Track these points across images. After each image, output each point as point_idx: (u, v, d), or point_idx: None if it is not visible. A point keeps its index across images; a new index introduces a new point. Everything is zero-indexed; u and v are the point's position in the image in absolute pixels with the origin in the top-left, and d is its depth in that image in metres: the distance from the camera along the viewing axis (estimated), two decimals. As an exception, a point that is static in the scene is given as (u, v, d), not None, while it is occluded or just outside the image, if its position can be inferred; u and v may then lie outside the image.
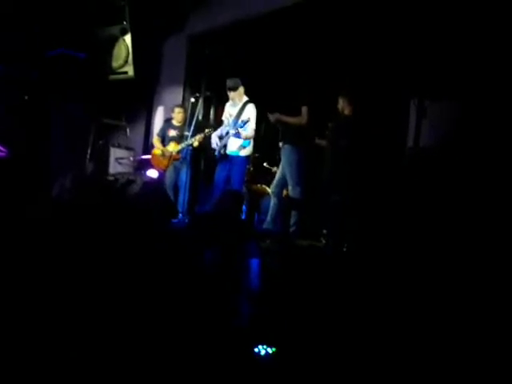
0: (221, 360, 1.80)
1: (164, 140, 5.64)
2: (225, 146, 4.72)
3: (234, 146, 4.70)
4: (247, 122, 4.46)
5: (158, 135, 5.73)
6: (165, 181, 5.51)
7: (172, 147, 5.46)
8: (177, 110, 5.65)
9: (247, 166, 5.14)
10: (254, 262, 3.28)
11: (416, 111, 4.22)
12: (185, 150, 5.30)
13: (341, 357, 1.91)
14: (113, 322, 1.98)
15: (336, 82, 4.75)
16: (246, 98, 4.76)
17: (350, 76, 4.80)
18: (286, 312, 2.33)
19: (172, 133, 5.60)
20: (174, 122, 5.65)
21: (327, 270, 3.29)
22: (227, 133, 4.66)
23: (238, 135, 4.56)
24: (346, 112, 4.31)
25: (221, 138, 4.75)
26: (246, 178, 5.31)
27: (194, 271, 2.81)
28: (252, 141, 4.75)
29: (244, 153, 4.71)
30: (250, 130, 4.59)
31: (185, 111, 5.62)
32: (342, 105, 4.32)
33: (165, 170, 5.51)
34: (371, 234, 3.90)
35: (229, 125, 4.73)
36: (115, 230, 3.38)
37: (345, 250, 4.06)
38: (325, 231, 4.58)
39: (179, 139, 5.48)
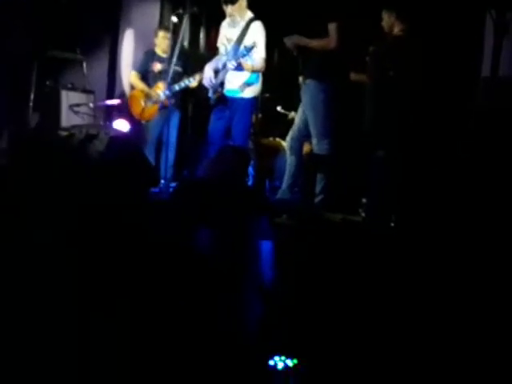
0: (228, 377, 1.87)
1: (146, 77, 5.69)
2: (222, 85, 4.71)
3: (234, 84, 4.69)
4: (252, 48, 4.45)
5: (138, 70, 5.79)
6: (145, 135, 5.62)
7: (160, 88, 5.52)
8: (161, 34, 5.66)
9: (254, 112, 5.14)
10: (266, 246, 3.29)
11: (494, 27, 4.19)
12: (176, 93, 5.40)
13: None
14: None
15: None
16: (250, 15, 4.73)
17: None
18: (310, 314, 2.46)
19: (157, 67, 5.63)
20: (159, 52, 5.67)
21: (368, 254, 3.32)
22: (224, 65, 4.65)
23: (239, 68, 4.54)
24: (396, 31, 4.28)
25: (216, 72, 4.74)
26: (252, 129, 5.30)
27: (183, 261, 2.85)
28: (260, 75, 4.74)
29: (249, 93, 4.71)
30: (256, 59, 4.57)
31: (171, 36, 5.58)
32: (389, 21, 4.29)
33: (148, 120, 5.60)
34: (430, 203, 3.93)
35: (227, 53, 4.71)
36: (71, 207, 3.40)
37: (393, 224, 4.11)
38: (364, 200, 4.62)
39: (170, 77, 5.47)
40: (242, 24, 4.69)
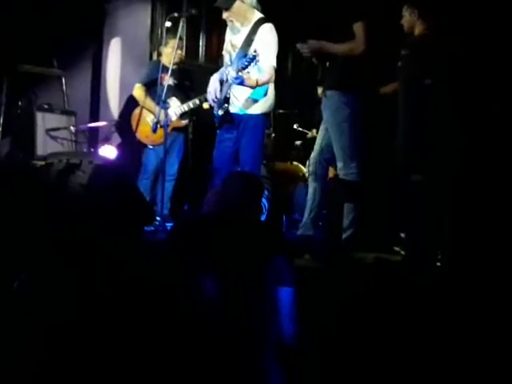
0: None
1: (152, 92, 5.72)
2: (227, 100, 4.71)
3: (239, 100, 4.70)
4: (253, 58, 4.42)
5: (142, 82, 5.84)
6: (145, 163, 5.69)
7: (174, 106, 5.60)
8: (172, 43, 5.67)
9: (265, 131, 5.14)
10: (285, 294, 3.24)
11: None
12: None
13: None
14: None
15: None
16: (257, 16, 4.74)
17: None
18: (340, 377, 2.54)
19: (168, 81, 5.63)
20: (166, 63, 5.68)
21: (409, 303, 3.27)
22: (227, 78, 4.67)
23: (240, 80, 4.49)
24: (418, 31, 4.29)
25: (221, 84, 4.78)
26: (264, 152, 5.29)
27: (185, 316, 2.81)
28: (272, 88, 4.75)
29: (257, 109, 4.70)
30: (264, 68, 4.57)
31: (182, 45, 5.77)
32: (410, 19, 4.30)
33: (155, 144, 5.64)
34: (487, 239, 3.90)
35: (231, 63, 4.72)
36: (48, 252, 3.40)
37: (439, 264, 4.08)
38: (403, 235, 4.59)
39: (180, 92, 5.62)
40: (248, 27, 4.69)
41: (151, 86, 5.75)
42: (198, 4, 6.21)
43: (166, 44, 5.76)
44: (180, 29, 5.18)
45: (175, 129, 5.65)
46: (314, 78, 4.82)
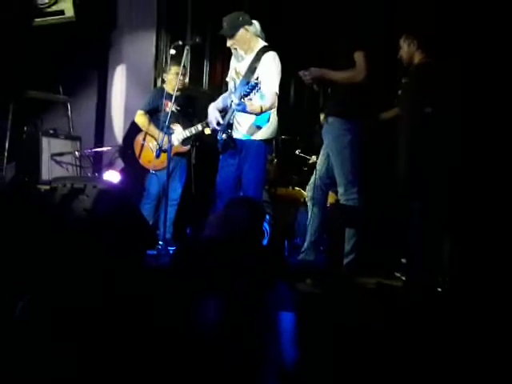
0: None
1: (155, 118, 5.78)
2: (230, 126, 4.73)
3: (243, 127, 4.72)
4: (256, 85, 4.42)
5: (145, 109, 5.87)
6: (148, 187, 5.69)
7: (177, 132, 5.62)
8: (174, 69, 5.75)
9: (268, 157, 5.14)
10: (287, 319, 3.23)
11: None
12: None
13: None
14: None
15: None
16: (261, 44, 4.77)
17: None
18: None
19: (170, 107, 5.66)
20: (170, 90, 5.74)
21: (411, 327, 3.24)
22: (232, 103, 4.67)
23: (242, 106, 4.52)
24: (417, 61, 4.32)
25: (224, 112, 4.79)
26: (267, 178, 5.30)
27: (187, 341, 2.81)
28: (275, 114, 4.77)
29: (260, 135, 4.72)
30: (267, 95, 4.58)
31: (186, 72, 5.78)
32: (409, 50, 4.33)
33: (158, 170, 5.66)
34: (488, 264, 3.90)
35: (235, 89, 4.75)
36: (52, 276, 3.39)
37: (440, 290, 4.06)
38: (404, 261, 4.58)
39: (183, 118, 5.62)
40: (252, 55, 4.72)
41: (154, 113, 5.79)
42: (203, 32, 6.24)
43: (168, 71, 5.80)
44: (184, 56, 5.22)
45: (177, 154, 5.65)
46: (315, 104, 4.83)
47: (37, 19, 6.27)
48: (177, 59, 5.54)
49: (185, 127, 5.61)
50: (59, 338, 2.83)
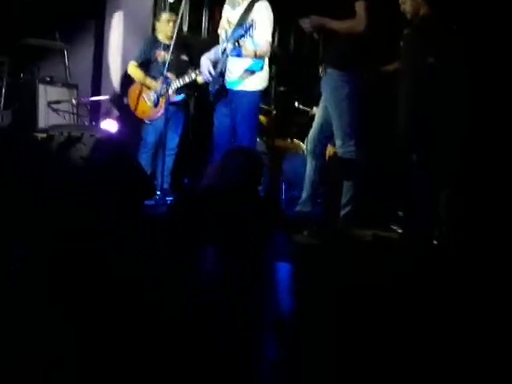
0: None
1: (147, 69, 5.73)
2: (223, 75, 4.72)
3: (234, 73, 4.71)
4: (251, 26, 4.43)
5: (138, 60, 5.82)
6: (145, 137, 5.69)
7: (168, 79, 5.55)
8: (164, 17, 5.72)
9: (264, 106, 5.14)
10: (283, 269, 3.26)
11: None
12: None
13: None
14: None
15: None
16: None
17: None
18: (336, 354, 2.42)
19: (162, 55, 5.64)
20: (162, 39, 5.71)
21: (406, 279, 3.28)
22: (224, 51, 4.67)
23: (238, 52, 4.56)
24: (423, 12, 4.25)
25: (216, 62, 4.76)
26: (265, 129, 5.30)
27: (185, 289, 2.83)
28: (266, 64, 4.76)
29: (252, 85, 4.71)
30: (260, 42, 4.57)
31: (176, 19, 5.64)
32: (413, 3, 4.25)
33: (152, 119, 5.67)
34: (484, 218, 3.91)
35: (227, 39, 4.72)
36: (48, 226, 3.40)
37: (436, 242, 4.06)
38: (401, 213, 4.62)
39: (176, 67, 5.55)
40: (244, 4, 4.71)
41: (147, 63, 5.74)
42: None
43: (158, 19, 5.76)
44: (182, 4, 5.16)
45: (173, 104, 5.59)
46: (316, 55, 4.79)
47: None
48: (174, 7, 5.48)
49: (178, 76, 5.54)
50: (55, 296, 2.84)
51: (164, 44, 5.65)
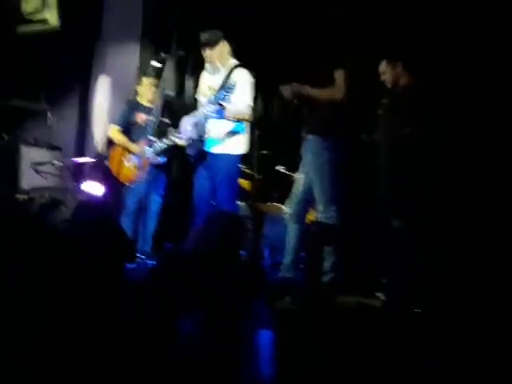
0: None
1: (128, 132, 5.74)
2: (202, 139, 4.78)
3: (214, 134, 4.76)
4: (233, 87, 4.50)
5: (119, 124, 5.82)
6: (127, 200, 5.65)
7: (148, 143, 5.57)
8: (145, 81, 5.75)
9: (244, 170, 5.29)
10: (265, 337, 3.21)
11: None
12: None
13: None
14: None
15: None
16: (233, 62, 4.86)
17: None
18: None
19: (143, 118, 5.67)
20: (143, 102, 5.74)
21: (390, 348, 3.25)
22: (205, 114, 4.72)
23: (220, 113, 4.58)
24: (403, 82, 4.38)
25: (196, 125, 4.82)
26: (246, 191, 5.31)
27: (164, 358, 2.76)
28: (247, 128, 4.83)
29: (232, 147, 4.78)
30: (241, 102, 4.64)
31: (157, 83, 5.71)
32: (393, 73, 4.38)
33: (131, 182, 5.62)
34: (471, 287, 3.92)
35: (208, 103, 4.75)
36: (31, 285, 3.35)
37: (418, 310, 4.03)
38: (384, 280, 4.55)
39: (158, 130, 5.57)
40: (224, 71, 4.80)
41: (128, 126, 5.76)
42: (187, 45, 6.24)
43: (140, 83, 5.79)
44: (167, 68, 5.22)
45: (156, 167, 5.60)
46: (298, 120, 4.84)
47: (20, 27, 6.24)
48: (150, 71, 5.55)
49: (160, 138, 5.55)
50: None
51: (145, 107, 5.69)
